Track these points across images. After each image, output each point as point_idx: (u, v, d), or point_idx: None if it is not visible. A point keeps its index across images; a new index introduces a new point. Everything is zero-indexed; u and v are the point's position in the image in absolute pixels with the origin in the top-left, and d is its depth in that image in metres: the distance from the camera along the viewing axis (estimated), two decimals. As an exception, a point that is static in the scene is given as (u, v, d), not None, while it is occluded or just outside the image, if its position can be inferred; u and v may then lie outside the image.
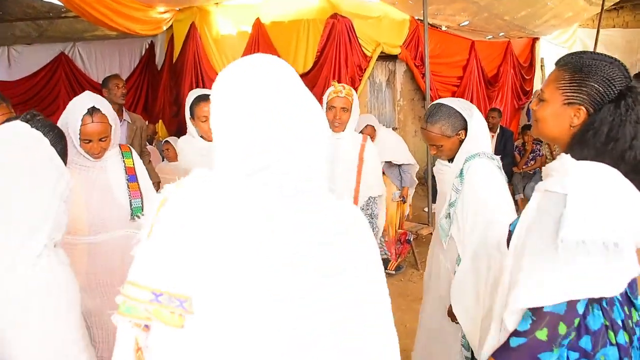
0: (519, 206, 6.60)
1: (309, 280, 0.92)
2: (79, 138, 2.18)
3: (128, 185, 2.42)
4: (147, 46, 7.66)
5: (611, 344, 1.35)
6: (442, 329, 2.26)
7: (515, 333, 1.33)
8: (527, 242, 1.36)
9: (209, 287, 0.88)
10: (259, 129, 0.93)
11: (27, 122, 1.32)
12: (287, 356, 0.90)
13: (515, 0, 6.49)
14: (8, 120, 1.38)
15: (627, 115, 1.34)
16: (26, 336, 1.11)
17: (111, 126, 2.29)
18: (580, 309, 1.30)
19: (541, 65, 10.63)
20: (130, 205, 2.39)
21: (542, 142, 7.02)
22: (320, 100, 5.63)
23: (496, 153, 6.93)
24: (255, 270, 0.89)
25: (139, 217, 2.37)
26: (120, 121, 4.56)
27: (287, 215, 0.93)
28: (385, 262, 4.77)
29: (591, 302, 1.34)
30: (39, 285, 1.14)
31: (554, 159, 6.58)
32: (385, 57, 6.80)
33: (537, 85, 10.54)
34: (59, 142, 1.34)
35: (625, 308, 1.38)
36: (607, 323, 1.35)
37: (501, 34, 8.47)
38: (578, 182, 1.29)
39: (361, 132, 4.35)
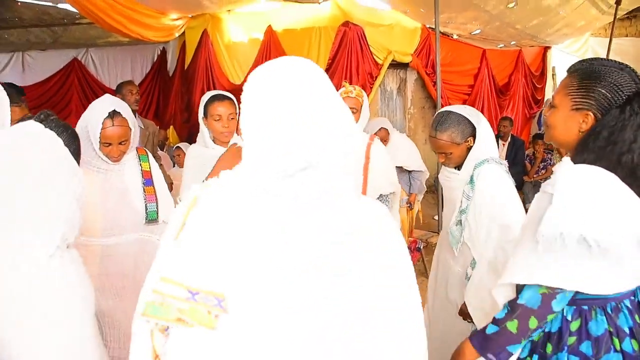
0: (530, 215, 6.57)
1: (323, 281, 0.91)
2: (99, 141, 2.19)
3: (144, 189, 2.42)
4: (159, 52, 7.72)
5: (615, 351, 1.35)
6: (451, 330, 2.28)
7: (493, 320, 1.42)
8: (521, 236, 1.45)
9: (242, 286, 0.88)
10: (282, 131, 0.93)
11: (40, 122, 1.31)
12: (300, 356, 0.90)
13: (527, 9, 6.47)
14: (22, 120, 1.38)
15: (630, 120, 1.36)
16: (35, 335, 1.10)
17: (131, 130, 2.30)
18: (556, 307, 1.34)
19: (553, 74, 10.58)
20: (146, 209, 2.39)
21: (553, 151, 6.98)
22: None
23: (507, 162, 6.88)
24: (278, 270, 0.89)
25: (154, 222, 2.37)
26: (133, 127, 4.59)
27: (304, 218, 0.93)
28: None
29: (594, 307, 1.37)
30: (51, 285, 1.14)
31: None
32: (396, 65, 6.80)
33: (549, 94, 10.48)
34: (73, 143, 1.34)
35: (637, 316, 1.38)
36: (612, 329, 1.36)
37: (512, 43, 8.45)
38: (565, 182, 1.33)
39: (375, 134, 4.36)
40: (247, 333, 0.87)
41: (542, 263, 1.33)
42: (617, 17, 7.51)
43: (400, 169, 4.77)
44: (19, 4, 4.98)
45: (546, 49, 9.88)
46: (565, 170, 1.36)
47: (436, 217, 6.35)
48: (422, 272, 5.06)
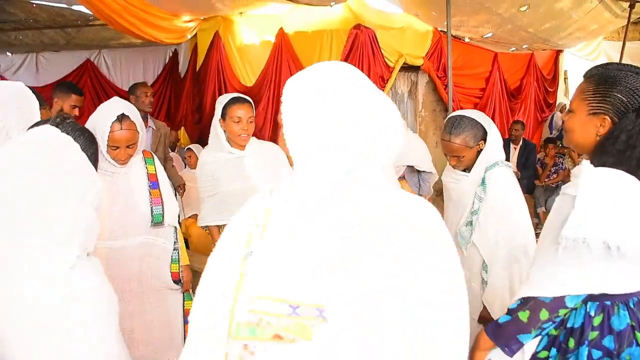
0: (541, 219, 6.53)
1: (334, 276, 0.90)
2: (107, 144, 2.19)
3: (150, 192, 2.43)
4: (171, 54, 7.77)
5: (638, 345, 1.37)
6: None
7: (507, 311, 1.47)
8: (541, 240, 1.46)
9: (338, 295, 0.87)
10: (320, 136, 0.93)
11: (56, 125, 1.27)
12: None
13: (540, 12, 6.43)
14: (37, 124, 1.35)
15: None
16: (60, 350, 1.09)
17: (139, 133, 2.30)
18: (570, 303, 1.37)
19: (565, 78, 10.52)
20: (152, 212, 2.40)
21: (564, 155, 6.94)
22: None
23: (518, 166, 6.85)
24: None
25: (160, 225, 2.38)
26: (146, 128, 4.62)
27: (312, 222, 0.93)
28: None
29: (617, 302, 1.39)
30: (74, 299, 1.10)
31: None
32: (407, 68, 6.78)
33: (561, 97, 10.41)
34: (90, 147, 1.29)
35: None
36: (634, 323, 1.38)
37: (524, 46, 8.40)
38: (587, 185, 1.34)
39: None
40: (339, 340, 0.86)
41: (565, 273, 1.35)
42: (631, 20, 7.45)
43: (410, 169, 4.76)
44: (34, 5, 5.03)
45: (558, 52, 9.81)
46: (587, 173, 1.37)
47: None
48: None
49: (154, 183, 2.46)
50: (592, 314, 1.40)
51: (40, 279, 1.10)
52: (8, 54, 7.06)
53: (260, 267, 0.90)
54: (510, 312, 1.45)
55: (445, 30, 5.08)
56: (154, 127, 4.80)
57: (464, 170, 2.29)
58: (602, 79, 1.48)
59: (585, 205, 1.31)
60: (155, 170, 2.49)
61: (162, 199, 2.45)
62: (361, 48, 5.80)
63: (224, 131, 2.72)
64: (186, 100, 7.36)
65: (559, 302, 1.37)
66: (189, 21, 6.10)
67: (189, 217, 5.17)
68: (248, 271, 0.92)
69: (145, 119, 4.65)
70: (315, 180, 0.95)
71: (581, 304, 1.41)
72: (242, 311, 0.89)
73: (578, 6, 6.46)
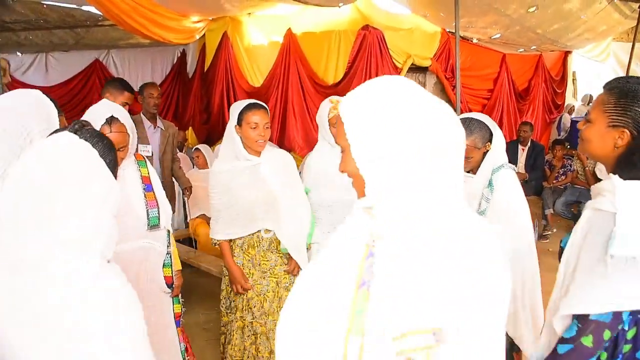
0: (549, 221, 6.51)
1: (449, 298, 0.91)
2: None
3: (145, 195, 2.41)
4: (179, 54, 7.80)
5: None
6: None
7: (563, 340, 1.44)
8: (579, 258, 1.44)
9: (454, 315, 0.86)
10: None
11: (75, 132, 1.26)
12: None
13: (548, 13, 6.41)
14: (56, 131, 1.35)
15: None
16: (84, 350, 1.08)
17: (129, 135, 2.28)
18: (625, 317, 1.38)
19: (573, 79, 10.48)
20: (147, 215, 2.38)
21: (573, 157, 6.91)
22: (314, 112, 5.52)
23: (526, 167, 6.82)
24: None
25: (156, 227, 2.35)
26: (154, 128, 4.64)
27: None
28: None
29: None
30: (99, 304, 1.09)
31: (585, 174, 6.46)
32: (415, 69, 6.78)
33: (569, 99, 10.38)
34: (109, 154, 1.27)
35: None
36: None
37: (533, 47, 8.37)
38: (627, 201, 1.36)
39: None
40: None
41: (621, 290, 1.35)
42: (640, 21, 7.41)
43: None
44: (45, 6, 5.06)
45: (567, 53, 9.78)
46: (624, 189, 1.39)
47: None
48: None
49: (148, 186, 2.45)
50: (626, 327, 1.41)
51: (65, 282, 1.09)
52: (18, 53, 7.10)
53: (384, 301, 0.87)
54: (569, 340, 1.42)
55: (454, 31, 5.07)
56: (162, 127, 4.81)
57: (469, 172, 2.33)
58: (624, 93, 1.50)
59: (629, 222, 1.33)
60: (148, 173, 2.48)
61: (157, 202, 2.44)
62: (369, 49, 5.80)
63: (240, 138, 2.72)
64: (194, 100, 7.40)
65: (617, 319, 1.37)
66: (198, 22, 6.12)
67: (197, 217, 5.19)
68: (369, 306, 0.89)
69: (153, 119, 4.67)
70: (416, 205, 0.94)
71: None
72: (373, 349, 0.86)
73: (587, 7, 6.44)
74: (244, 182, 2.71)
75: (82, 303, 1.09)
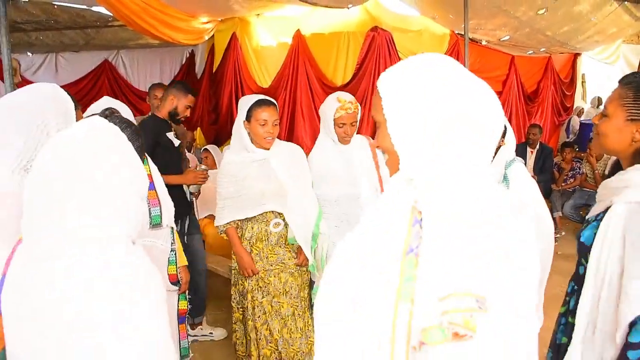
0: (557, 224, 6.47)
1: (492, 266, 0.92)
2: None
3: (147, 193, 2.41)
4: (188, 55, 7.83)
5: None
6: None
7: (632, 346, 1.38)
8: (629, 257, 1.40)
9: (497, 284, 0.86)
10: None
11: (105, 117, 1.29)
12: None
13: (558, 15, 6.38)
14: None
15: None
16: (125, 336, 1.08)
17: None
18: None
19: (582, 82, 10.42)
20: (150, 213, 2.36)
21: (582, 160, 6.87)
22: (317, 110, 5.46)
23: (535, 170, 6.77)
24: None
25: (158, 226, 2.35)
26: (163, 128, 4.66)
27: None
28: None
29: None
30: (129, 284, 1.11)
31: (595, 177, 6.39)
32: (424, 71, 6.77)
33: (578, 101, 10.32)
34: (137, 139, 1.30)
35: None
36: None
37: (542, 50, 8.34)
38: None
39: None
40: (498, 329, 0.85)
41: None
42: (651, 24, 7.37)
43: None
44: (56, 7, 5.09)
45: (576, 55, 9.73)
46: None
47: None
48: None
49: (150, 184, 2.44)
50: None
51: (97, 262, 1.11)
52: (29, 54, 7.17)
53: (434, 267, 0.88)
54: (637, 345, 1.37)
55: (462, 33, 5.06)
56: (171, 128, 4.84)
57: None
58: None
59: None
60: (150, 171, 2.47)
61: (159, 200, 2.43)
62: (378, 50, 5.80)
63: (248, 133, 2.73)
64: (202, 100, 7.42)
65: None
66: (207, 22, 6.14)
67: (205, 217, 5.19)
68: (418, 272, 0.89)
69: (162, 119, 4.69)
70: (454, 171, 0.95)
71: None
72: (423, 315, 0.86)
73: (597, 9, 6.40)
74: (253, 174, 2.73)
75: (104, 290, 1.09)
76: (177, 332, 2.55)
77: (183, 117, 3.74)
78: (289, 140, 6.24)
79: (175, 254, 2.52)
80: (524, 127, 8.11)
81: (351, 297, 0.98)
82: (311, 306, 2.91)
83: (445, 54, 6.64)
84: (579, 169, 6.78)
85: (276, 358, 2.82)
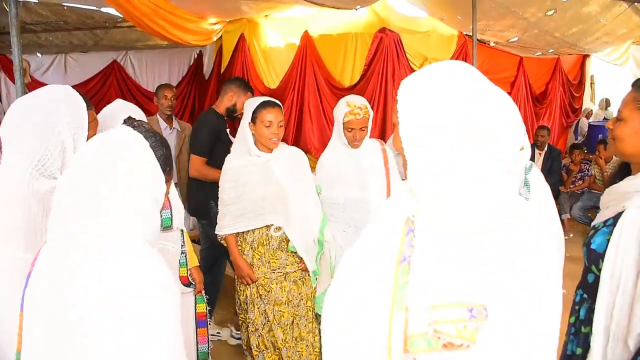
0: (565, 226, 6.44)
1: (494, 275, 0.92)
2: None
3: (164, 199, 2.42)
4: (196, 56, 7.85)
5: None
6: None
7: None
8: None
9: (498, 293, 0.86)
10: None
11: (132, 127, 1.34)
12: None
13: (567, 17, 6.35)
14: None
15: None
16: (132, 337, 1.09)
17: None
18: None
19: (591, 83, 10.36)
20: (160, 216, 2.39)
21: (590, 161, 6.84)
22: (330, 114, 5.46)
23: (543, 171, 6.77)
24: None
25: (169, 229, 2.36)
26: (170, 129, 4.69)
27: None
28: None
29: None
30: (144, 289, 1.12)
31: (604, 179, 6.37)
32: (432, 72, 6.76)
33: (587, 103, 10.26)
34: (159, 148, 1.32)
35: None
36: None
37: (551, 51, 8.30)
38: None
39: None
40: (499, 339, 0.85)
41: None
42: (661, 25, 7.33)
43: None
44: (65, 8, 5.13)
45: (585, 57, 9.67)
46: None
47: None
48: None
49: None
50: None
51: (116, 265, 1.13)
52: (38, 54, 7.21)
53: (424, 274, 0.89)
54: None
55: (471, 34, 5.05)
56: (179, 128, 4.87)
57: None
58: None
59: None
60: None
61: (169, 203, 2.43)
62: (386, 52, 5.79)
63: (253, 135, 2.73)
64: (210, 101, 7.43)
65: None
66: (215, 23, 6.16)
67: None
68: (410, 280, 0.90)
69: (169, 120, 4.72)
70: (458, 180, 0.95)
71: None
72: (417, 322, 0.87)
73: (606, 10, 6.37)
74: (255, 178, 2.73)
75: (132, 284, 1.11)
76: (194, 337, 2.55)
77: (241, 115, 3.74)
78: (297, 141, 6.26)
79: (185, 256, 2.53)
80: (532, 129, 8.07)
81: (357, 308, 1.00)
82: (317, 315, 2.91)
83: (453, 55, 6.68)
84: (588, 171, 6.75)
85: None
